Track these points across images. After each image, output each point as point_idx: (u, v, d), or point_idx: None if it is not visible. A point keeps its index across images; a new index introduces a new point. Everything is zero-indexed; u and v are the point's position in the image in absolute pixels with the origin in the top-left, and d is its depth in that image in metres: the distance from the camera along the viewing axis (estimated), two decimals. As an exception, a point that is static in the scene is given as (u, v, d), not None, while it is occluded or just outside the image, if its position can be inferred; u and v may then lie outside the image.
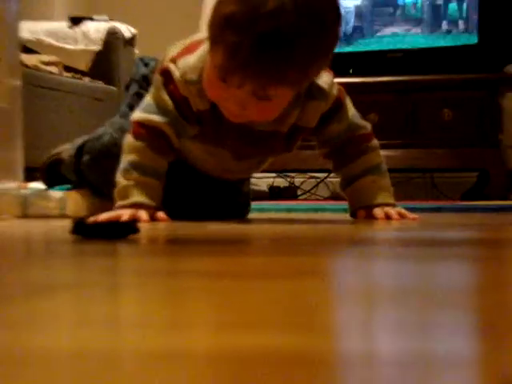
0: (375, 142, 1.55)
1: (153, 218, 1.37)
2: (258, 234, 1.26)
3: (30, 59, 2.77)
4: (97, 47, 3.11)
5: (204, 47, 1.39)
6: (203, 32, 1.38)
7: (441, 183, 3.32)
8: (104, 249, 0.92)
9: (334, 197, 3.18)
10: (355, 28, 3.19)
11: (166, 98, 1.41)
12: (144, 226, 1.24)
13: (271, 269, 0.71)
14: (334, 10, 1.31)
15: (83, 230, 1.03)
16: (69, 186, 1.76)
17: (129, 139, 1.43)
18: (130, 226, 1.06)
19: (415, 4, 3.18)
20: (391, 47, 3.14)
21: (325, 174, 3.24)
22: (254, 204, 2.30)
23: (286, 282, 0.60)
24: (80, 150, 1.67)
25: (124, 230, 1.05)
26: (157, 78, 1.44)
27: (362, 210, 1.52)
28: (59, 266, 0.78)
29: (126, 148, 1.43)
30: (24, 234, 1.33)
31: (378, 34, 3.19)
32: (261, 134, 1.45)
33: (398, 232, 1.27)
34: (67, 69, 3.00)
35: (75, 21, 3.16)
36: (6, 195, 1.78)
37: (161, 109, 1.41)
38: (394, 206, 1.53)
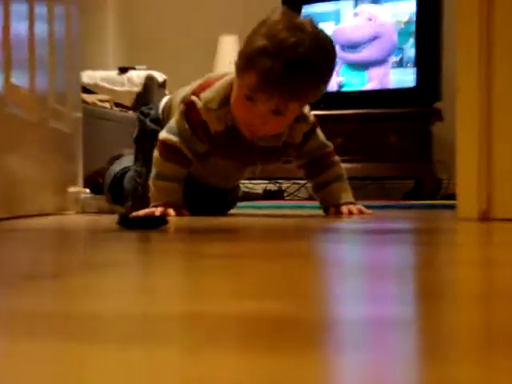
0: (337, 157, 1.55)
1: (178, 214, 1.37)
2: (255, 225, 1.25)
3: (89, 98, 2.76)
4: (138, 89, 3.11)
5: (220, 84, 1.38)
6: (217, 70, 1.38)
7: (388, 187, 3.32)
8: (142, 236, 0.91)
9: (311, 198, 3.18)
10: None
11: (185, 123, 1.39)
12: (172, 219, 1.23)
13: (266, 251, 0.70)
14: (334, 48, 1.34)
15: (126, 222, 1.02)
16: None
17: (156, 154, 1.41)
18: (162, 219, 1.05)
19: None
20: (352, 89, 3.13)
21: (304, 181, 3.24)
22: (252, 203, 2.30)
23: (277, 261, 0.59)
24: (120, 170, 1.67)
25: (157, 222, 1.05)
26: (181, 107, 1.41)
27: (331, 208, 1.52)
28: (108, 248, 0.77)
29: (154, 161, 1.41)
30: (83, 225, 1.32)
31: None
32: (262, 149, 1.44)
33: (358, 223, 1.26)
34: (116, 105, 2.99)
35: (122, 70, 3.16)
36: (70, 197, 1.77)
37: (179, 131, 1.40)
38: (354, 204, 1.52)
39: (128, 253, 0.72)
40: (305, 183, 3.27)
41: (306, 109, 1.46)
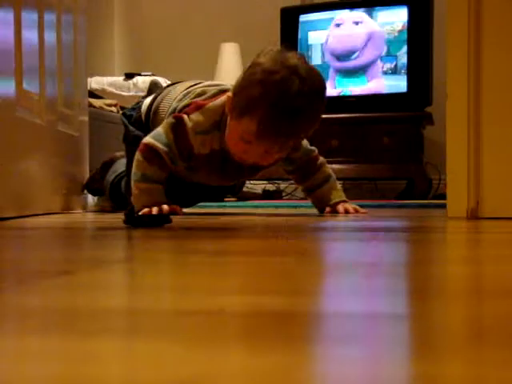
0: (322, 158, 1.54)
1: (172, 210, 1.30)
2: (254, 224, 1.25)
3: (96, 102, 2.76)
4: (143, 93, 3.11)
5: (212, 106, 1.34)
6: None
7: (382, 188, 3.32)
8: (146, 234, 0.91)
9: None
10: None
11: (172, 137, 1.34)
12: (174, 218, 1.23)
13: (265, 248, 0.70)
14: (324, 82, 1.31)
15: (132, 221, 1.02)
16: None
17: (138, 157, 1.34)
18: (165, 218, 1.05)
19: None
20: (348, 94, 3.13)
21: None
22: (251, 202, 2.30)
23: (275, 258, 0.59)
24: (115, 177, 1.65)
25: (160, 221, 1.05)
26: (170, 120, 1.36)
27: (327, 207, 1.51)
28: (114, 245, 0.77)
29: (137, 164, 1.34)
30: (89, 223, 1.32)
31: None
32: (249, 167, 1.40)
33: (354, 222, 1.26)
34: (122, 109, 2.99)
35: (129, 75, 3.16)
36: (77, 197, 1.77)
37: (166, 142, 1.34)
38: (346, 201, 1.51)
39: (133, 250, 0.72)
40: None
41: None
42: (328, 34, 3.12)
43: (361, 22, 3.09)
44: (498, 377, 0.21)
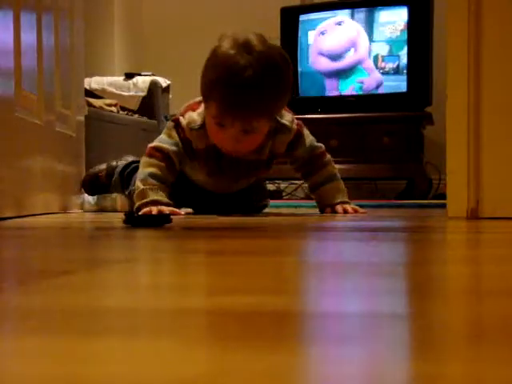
0: (329, 156, 1.55)
1: (172, 211, 1.31)
2: (253, 223, 1.25)
3: (96, 102, 2.76)
4: (143, 93, 3.11)
5: (202, 106, 1.41)
6: None
7: (381, 188, 3.32)
8: (146, 234, 0.91)
9: (308, 197, 3.18)
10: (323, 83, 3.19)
11: (176, 136, 1.42)
12: (174, 218, 1.23)
13: (265, 248, 0.70)
14: (285, 59, 1.35)
15: (132, 221, 1.02)
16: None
17: (144, 159, 1.42)
18: (166, 218, 1.05)
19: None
20: (348, 93, 3.13)
21: (301, 181, 3.24)
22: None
23: (274, 258, 0.59)
24: (125, 167, 1.68)
25: (161, 221, 1.05)
26: (170, 124, 1.45)
27: (327, 207, 1.51)
28: (114, 245, 0.77)
29: (143, 164, 1.41)
30: (89, 223, 1.32)
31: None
32: (248, 163, 1.45)
33: (353, 222, 1.26)
34: (122, 108, 2.99)
35: (129, 75, 3.16)
36: (75, 197, 1.78)
37: (171, 142, 1.42)
38: (348, 203, 1.52)
39: (133, 250, 0.72)
40: (301, 183, 3.27)
41: (286, 118, 1.45)
42: (314, 39, 3.13)
43: (343, 22, 3.10)
44: (498, 376, 0.21)
